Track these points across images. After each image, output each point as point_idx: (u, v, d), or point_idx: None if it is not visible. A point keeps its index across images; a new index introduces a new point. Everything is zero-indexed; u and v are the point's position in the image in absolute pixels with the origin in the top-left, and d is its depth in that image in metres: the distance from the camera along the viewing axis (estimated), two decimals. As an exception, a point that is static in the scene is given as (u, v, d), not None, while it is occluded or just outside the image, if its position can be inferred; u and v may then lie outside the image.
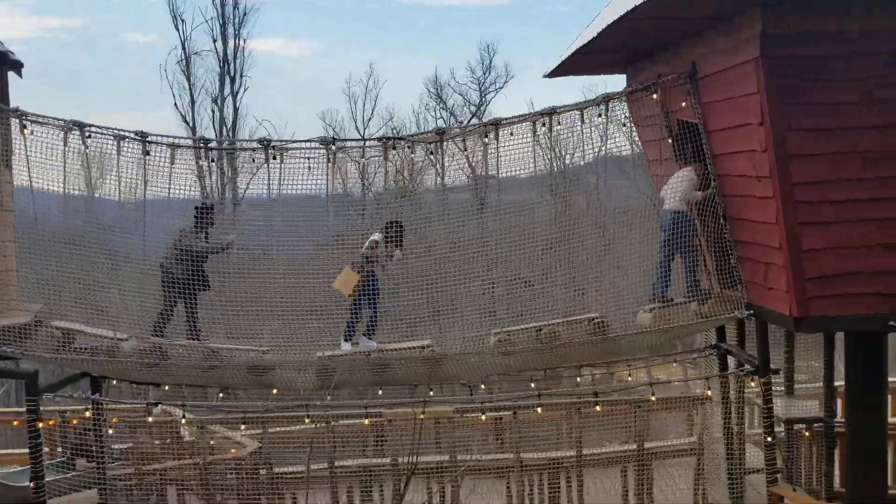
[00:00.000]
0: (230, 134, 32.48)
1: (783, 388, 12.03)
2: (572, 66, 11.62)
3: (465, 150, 10.07)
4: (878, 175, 7.76)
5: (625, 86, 10.67)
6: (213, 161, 8.97)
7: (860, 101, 7.62)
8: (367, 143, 9.53)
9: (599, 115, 9.35)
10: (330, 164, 9.12)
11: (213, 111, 33.83)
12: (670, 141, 10.00)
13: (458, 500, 10.75)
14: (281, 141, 9.24)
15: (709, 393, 10.08)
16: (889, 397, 13.70)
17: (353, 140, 9.11)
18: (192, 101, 33.61)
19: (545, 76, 12.62)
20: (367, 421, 9.46)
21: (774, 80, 7.66)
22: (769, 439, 9.41)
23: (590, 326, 9.00)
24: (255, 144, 9.09)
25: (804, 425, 11.20)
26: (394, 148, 9.19)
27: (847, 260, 8.08)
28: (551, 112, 9.43)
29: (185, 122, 33.60)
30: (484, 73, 40.87)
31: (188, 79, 33.62)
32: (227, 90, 33.45)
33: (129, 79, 57.65)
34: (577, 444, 10.40)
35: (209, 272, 9.74)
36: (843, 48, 7.60)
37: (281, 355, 9.32)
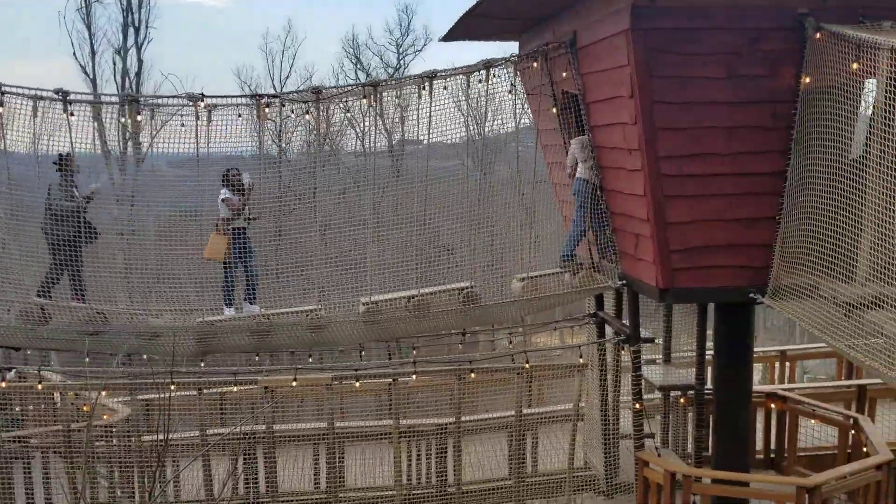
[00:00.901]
0: (133, 87, 31.12)
1: (662, 357, 12.39)
2: (467, 30, 11.44)
3: (348, 111, 9.85)
4: (738, 150, 7.90)
5: (514, 53, 10.58)
6: (72, 114, 8.48)
7: (724, 76, 7.71)
8: (243, 101, 9.19)
9: (480, 82, 9.26)
10: (201, 122, 8.76)
11: (115, 62, 32.40)
12: (554, 111, 9.99)
13: (342, 467, 10.69)
14: (150, 97, 8.82)
15: (581, 360, 10.25)
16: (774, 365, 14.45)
17: (223, 97, 8.72)
18: (93, 52, 32.05)
19: (441, 40, 12.39)
20: (235, 388, 9.27)
21: (644, 52, 7.67)
22: (637, 406, 9.64)
23: (460, 296, 8.99)
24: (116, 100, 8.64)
25: (679, 392, 11.57)
26: (268, 106, 8.88)
27: (710, 233, 8.24)
28: (432, 75, 9.29)
29: (85, 73, 32.07)
30: (402, 36, 40.27)
31: (88, 28, 32.02)
32: (130, 41, 31.99)
33: (23, 25, 54.56)
34: (456, 411, 10.46)
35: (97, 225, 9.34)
36: (709, 23, 7.66)
37: (164, 320, 8.99)
